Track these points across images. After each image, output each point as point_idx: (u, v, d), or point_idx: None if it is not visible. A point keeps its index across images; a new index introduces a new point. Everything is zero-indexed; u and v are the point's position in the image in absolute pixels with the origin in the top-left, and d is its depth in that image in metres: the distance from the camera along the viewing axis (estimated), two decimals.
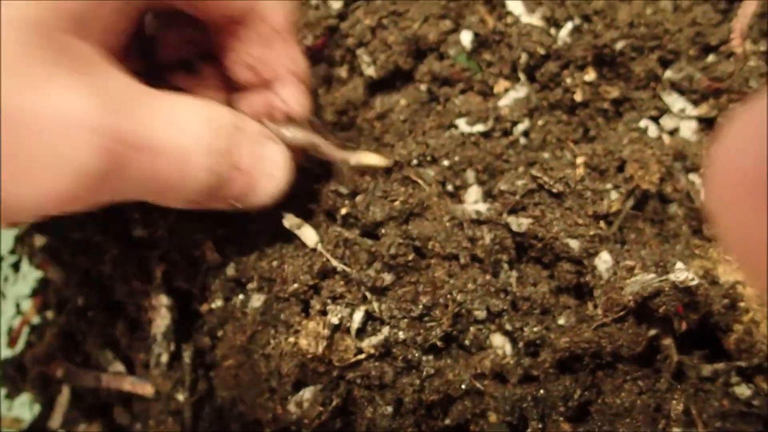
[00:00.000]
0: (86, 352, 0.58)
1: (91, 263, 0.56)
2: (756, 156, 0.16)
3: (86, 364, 0.59)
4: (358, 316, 0.46)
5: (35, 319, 0.67)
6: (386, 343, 0.46)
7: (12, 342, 0.67)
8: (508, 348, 0.49)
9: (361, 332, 0.46)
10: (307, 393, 0.48)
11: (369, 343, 0.46)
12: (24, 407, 0.71)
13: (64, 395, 0.67)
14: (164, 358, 0.55)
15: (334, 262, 0.48)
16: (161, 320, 0.54)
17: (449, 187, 0.55)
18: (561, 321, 0.48)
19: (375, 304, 0.46)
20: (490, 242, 0.50)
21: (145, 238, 0.53)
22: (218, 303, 0.52)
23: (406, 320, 0.46)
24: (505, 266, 0.50)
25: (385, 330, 0.46)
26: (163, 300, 0.53)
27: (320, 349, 0.45)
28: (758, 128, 0.16)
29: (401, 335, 0.45)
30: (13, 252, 0.66)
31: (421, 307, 0.46)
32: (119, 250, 0.53)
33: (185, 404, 0.55)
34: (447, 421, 0.45)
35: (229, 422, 0.55)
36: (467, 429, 0.46)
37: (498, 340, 0.49)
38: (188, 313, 0.54)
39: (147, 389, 0.57)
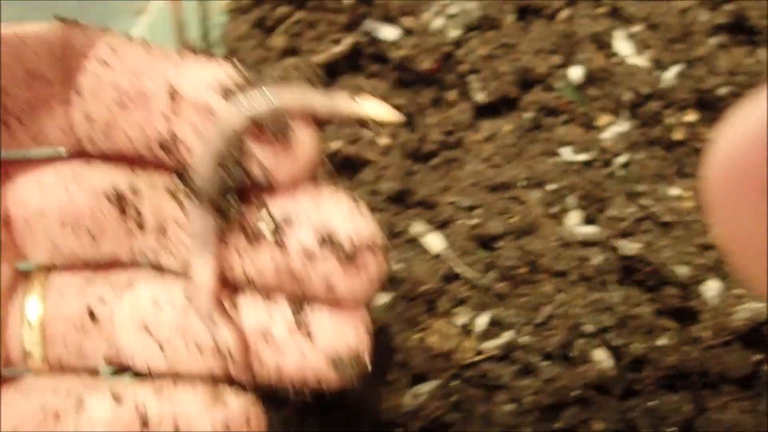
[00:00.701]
0: None
1: None
2: (754, 158, 0.16)
3: None
4: (483, 319, 0.50)
5: None
6: (507, 347, 0.49)
7: None
8: (610, 362, 0.53)
9: (483, 335, 0.50)
10: (425, 387, 0.52)
11: (490, 345, 0.50)
12: None
13: None
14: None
15: (459, 269, 0.52)
16: None
17: (552, 210, 0.59)
18: (661, 341, 0.52)
19: (497, 310, 0.50)
20: (599, 263, 0.54)
21: None
22: None
23: (528, 326, 0.49)
24: (611, 286, 0.54)
25: (507, 334, 0.49)
26: None
27: (446, 347, 0.49)
28: (756, 129, 0.16)
29: (523, 340, 0.49)
30: None
31: (541, 316, 0.50)
32: None
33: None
34: (558, 425, 0.49)
35: (340, 414, 0.58)
36: None
37: (601, 355, 0.53)
38: None
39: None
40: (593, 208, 0.59)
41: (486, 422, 0.49)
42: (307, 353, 0.31)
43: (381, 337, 0.52)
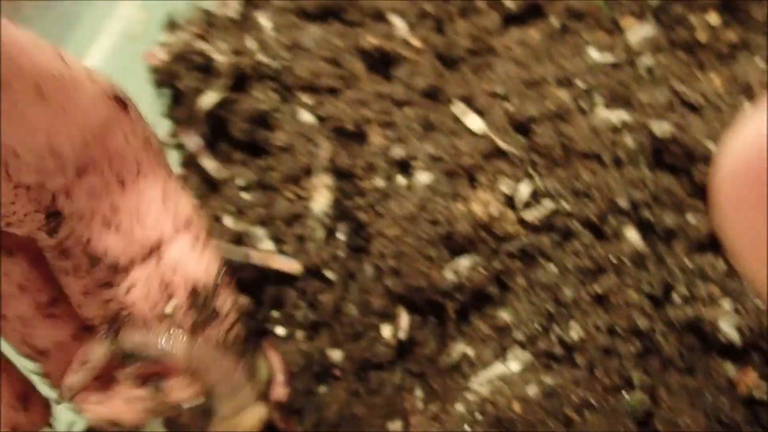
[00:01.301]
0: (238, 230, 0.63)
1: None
2: (760, 164, 0.16)
3: (237, 242, 0.64)
4: (526, 188, 0.51)
5: None
6: (550, 215, 0.51)
7: None
8: (640, 243, 0.55)
9: (525, 204, 0.52)
10: (465, 261, 0.54)
11: (533, 215, 0.52)
12: None
13: None
14: (320, 234, 0.60)
15: (501, 144, 0.53)
16: (321, 198, 0.59)
17: (582, 103, 0.61)
18: (692, 218, 0.54)
19: (540, 181, 0.52)
20: (632, 145, 0.56)
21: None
22: (382, 182, 0.57)
23: (568, 195, 0.51)
24: (644, 167, 0.56)
25: (549, 203, 0.51)
26: (325, 179, 0.59)
27: (492, 215, 0.51)
28: (764, 133, 0.17)
29: (566, 206, 0.51)
30: None
31: (582, 182, 0.52)
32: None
33: (337, 278, 0.60)
34: (596, 289, 0.51)
35: (378, 292, 0.60)
36: (610, 300, 0.51)
37: (632, 234, 0.55)
38: (345, 194, 0.60)
39: (294, 266, 0.62)
40: (621, 100, 0.61)
41: (529, 284, 0.51)
42: None
43: (422, 212, 0.54)
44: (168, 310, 0.37)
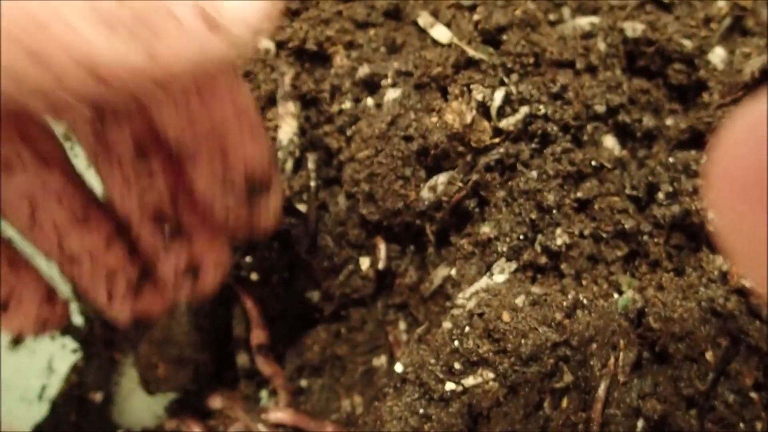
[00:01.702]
0: None
1: None
2: (755, 158, 0.16)
3: None
4: (500, 94, 0.49)
5: None
6: (526, 121, 0.49)
7: None
8: (617, 149, 0.53)
9: (500, 112, 0.50)
10: (441, 177, 0.51)
11: (508, 122, 0.49)
12: None
13: None
14: (289, 165, 0.57)
15: (471, 52, 0.51)
16: (287, 127, 0.56)
17: (551, 14, 0.59)
18: (670, 120, 0.53)
19: (514, 88, 0.50)
20: (605, 49, 0.54)
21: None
22: (348, 104, 0.54)
23: (545, 97, 0.49)
24: (619, 72, 0.54)
25: (525, 109, 0.49)
26: (290, 107, 0.56)
27: (465, 123, 0.48)
28: (757, 130, 0.16)
29: (542, 109, 0.49)
30: None
31: (558, 86, 0.50)
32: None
33: (309, 211, 0.57)
34: (579, 194, 0.49)
35: (353, 223, 0.57)
36: (593, 205, 0.50)
37: (609, 141, 0.53)
38: (311, 122, 0.57)
39: None
40: (590, 6, 0.59)
41: (509, 195, 0.49)
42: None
43: (393, 129, 0.51)
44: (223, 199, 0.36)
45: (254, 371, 0.66)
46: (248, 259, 0.67)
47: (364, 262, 0.60)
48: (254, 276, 0.68)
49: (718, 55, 0.51)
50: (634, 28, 0.54)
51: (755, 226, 0.16)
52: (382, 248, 0.59)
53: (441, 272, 0.55)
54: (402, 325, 0.60)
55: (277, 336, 0.66)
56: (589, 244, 0.48)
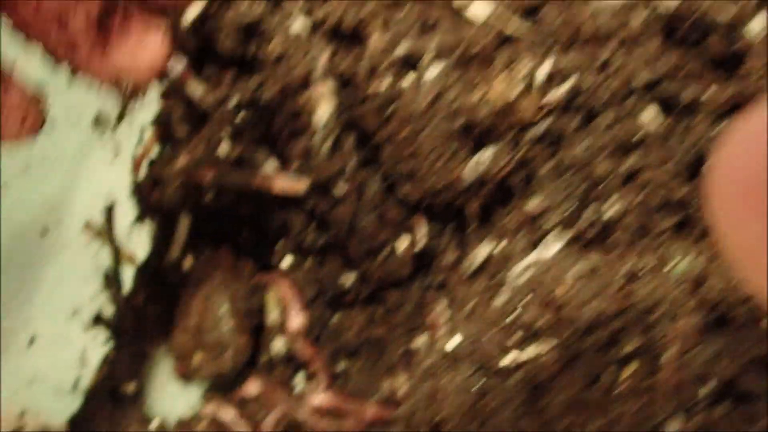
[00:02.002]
0: (237, 157, 0.59)
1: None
2: (757, 165, 0.16)
3: (237, 167, 0.60)
4: (543, 69, 0.49)
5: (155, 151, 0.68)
6: (570, 93, 0.49)
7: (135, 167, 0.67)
8: (660, 120, 0.53)
9: (544, 88, 0.50)
10: (487, 153, 0.51)
11: (552, 96, 0.49)
12: (138, 246, 0.71)
13: (183, 224, 0.69)
14: (326, 147, 0.57)
15: (510, 30, 0.51)
16: (323, 109, 0.56)
17: None
18: (709, 93, 0.53)
19: (555, 63, 0.50)
20: (642, 22, 0.54)
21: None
22: (386, 84, 0.54)
23: (588, 70, 0.49)
24: (657, 44, 0.54)
25: (569, 82, 0.49)
26: (326, 88, 0.55)
27: (510, 98, 0.48)
28: (759, 136, 0.16)
29: (585, 82, 0.49)
30: None
31: (599, 60, 0.50)
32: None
33: (347, 193, 0.57)
34: (626, 166, 0.49)
35: (392, 204, 0.57)
36: (641, 176, 0.50)
37: (652, 113, 0.53)
38: (348, 103, 0.57)
39: (300, 185, 0.59)
40: None
41: (556, 168, 0.49)
42: None
43: (435, 107, 0.51)
44: None
45: (290, 356, 0.66)
46: (281, 243, 0.67)
47: (402, 243, 0.60)
48: (287, 260, 0.67)
49: (757, 24, 0.52)
50: (667, 6, 0.54)
51: (758, 235, 0.16)
52: (421, 228, 0.59)
53: (483, 250, 0.55)
54: (441, 306, 0.60)
55: (312, 320, 0.66)
56: (639, 215, 0.48)
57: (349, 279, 0.65)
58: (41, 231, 0.58)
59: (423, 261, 0.61)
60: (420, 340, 0.61)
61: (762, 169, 0.16)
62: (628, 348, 0.42)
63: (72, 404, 0.66)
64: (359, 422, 0.63)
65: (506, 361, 0.45)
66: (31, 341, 0.61)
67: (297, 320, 0.64)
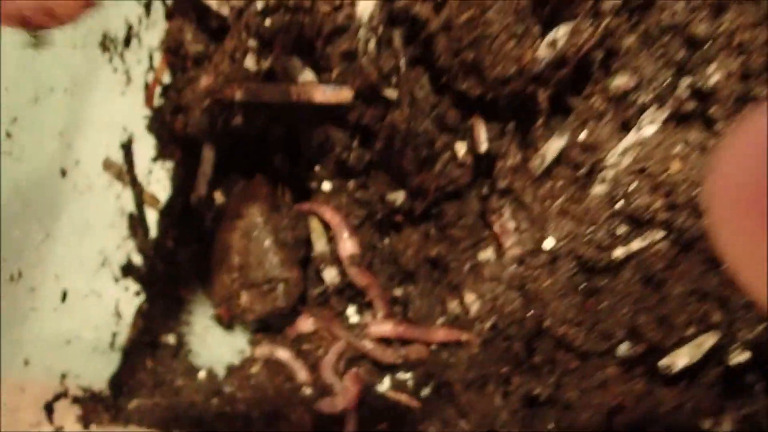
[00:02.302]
0: (268, 69, 0.53)
1: None
2: (756, 174, 0.16)
3: (269, 80, 0.53)
4: None
5: (166, 78, 0.61)
6: None
7: (148, 101, 0.60)
8: None
9: None
10: (562, 29, 0.45)
11: None
12: (159, 185, 0.65)
13: (208, 157, 0.62)
14: (372, 45, 0.50)
15: None
16: (366, 1, 0.49)
17: None
18: None
19: None
20: None
21: None
22: None
23: None
24: None
25: None
26: None
27: None
28: (758, 146, 0.16)
29: None
30: None
31: None
32: None
33: (402, 95, 0.51)
34: (724, 28, 0.44)
35: (447, 104, 0.51)
36: (740, 39, 0.44)
37: None
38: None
39: (344, 94, 0.53)
40: None
41: (644, 37, 0.43)
42: None
43: None
44: None
45: (342, 287, 0.61)
46: (318, 167, 0.61)
47: (461, 148, 0.54)
48: (326, 185, 0.62)
49: None
50: None
51: (759, 242, 0.16)
52: (481, 129, 0.53)
53: (555, 144, 0.50)
54: (508, 213, 0.55)
55: (363, 245, 0.60)
56: (737, 83, 0.43)
57: (399, 197, 0.59)
58: (60, 173, 0.52)
59: (482, 166, 0.56)
60: (486, 253, 0.56)
61: (761, 177, 0.16)
62: None
63: (112, 362, 0.61)
64: (428, 348, 0.58)
65: (615, 255, 0.41)
66: (63, 297, 0.55)
67: (348, 247, 0.58)
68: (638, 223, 0.40)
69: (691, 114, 0.44)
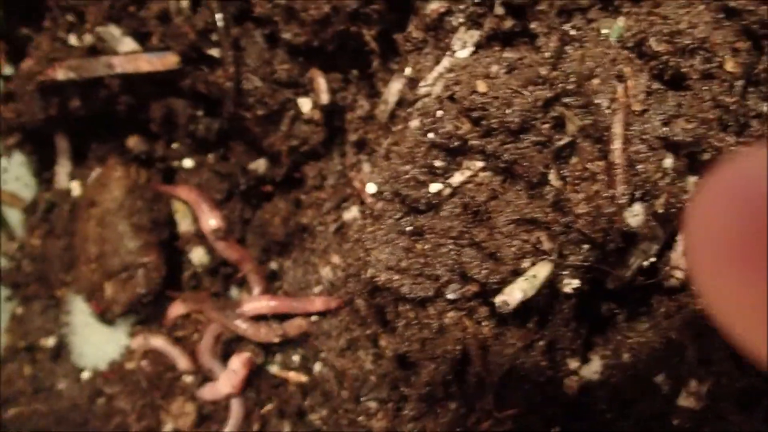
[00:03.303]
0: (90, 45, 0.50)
1: None
2: (735, 224, 0.16)
3: (90, 54, 0.50)
4: None
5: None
6: None
7: None
8: None
9: None
10: None
11: None
12: (19, 183, 0.62)
13: (62, 145, 0.59)
14: (185, 3, 0.47)
15: None
16: None
17: None
18: None
19: None
20: None
21: None
22: None
23: None
24: None
25: None
26: None
27: None
28: (735, 192, 0.16)
29: None
30: None
31: None
32: None
33: (224, 52, 0.48)
34: None
35: (281, 57, 0.48)
36: None
37: None
38: None
39: (170, 59, 0.49)
40: None
41: None
42: None
43: None
44: None
45: (216, 266, 0.58)
46: (175, 145, 0.58)
47: (305, 103, 0.51)
48: (188, 162, 0.58)
49: None
50: None
51: (739, 287, 0.16)
52: (320, 80, 0.50)
53: (395, 85, 0.47)
54: (367, 167, 0.52)
55: (231, 219, 0.57)
56: None
57: (260, 165, 0.56)
58: None
59: (333, 121, 0.53)
60: (351, 212, 0.53)
61: (740, 222, 0.15)
62: (571, 129, 0.34)
63: None
64: (308, 320, 0.55)
65: (433, 189, 0.38)
66: None
67: (211, 221, 0.55)
68: (452, 153, 0.37)
69: (508, 36, 0.41)
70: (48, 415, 0.58)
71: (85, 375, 0.60)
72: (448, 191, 0.38)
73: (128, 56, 0.49)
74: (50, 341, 0.61)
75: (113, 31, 0.49)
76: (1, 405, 0.57)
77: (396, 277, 0.38)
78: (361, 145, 0.52)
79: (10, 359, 0.59)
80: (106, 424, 0.56)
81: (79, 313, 0.61)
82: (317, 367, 0.56)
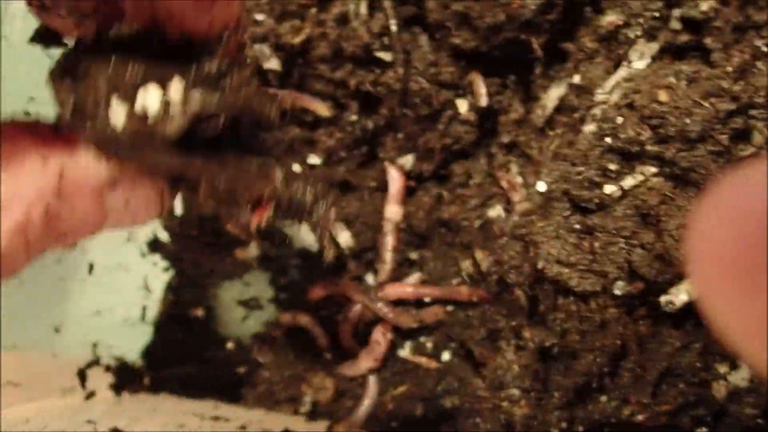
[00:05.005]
0: None
1: None
2: (737, 235, 0.15)
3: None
4: None
5: None
6: None
7: None
8: None
9: None
10: None
11: None
12: None
13: None
14: (363, 8, 0.51)
15: None
16: None
17: None
18: None
19: None
20: None
21: None
22: None
23: None
24: None
25: None
26: None
27: None
28: (739, 208, 0.15)
29: None
30: None
31: None
32: None
33: (396, 55, 0.51)
34: None
35: (445, 60, 0.51)
36: None
37: None
38: None
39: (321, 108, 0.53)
40: None
41: None
42: None
43: None
44: None
45: (359, 251, 0.62)
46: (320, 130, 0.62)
47: (463, 105, 0.54)
48: (314, 159, 0.62)
49: None
50: None
51: (744, 304, 0.16)
52: (480, 83, 0.53)
53: (554, 93, 0.49)
54: (515, 168, 0.54)
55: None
56: (733, 10, 0.41)
57: (408, 161, 0.60)
58: None
59: (486, 124, 0.56)
60: (495, 210, 0.56)
61: (744, 237, 0.15)
62: (758, 140, 0.36)
63: (143, 334, 0.63)
64: (444, 309, 0.58)
65: (607, 191, 0.40)
66: (90, 269, 0.58)
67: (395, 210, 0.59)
68: (628, 158, 0.39)
69: (685, 46, 0.42)
70: (197, 377, 0.63)
71: (230, 345, 0.65)
72: (619, 193, 0.40)
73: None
74: (200, 312, 0.66)
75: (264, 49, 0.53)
76: (156, 364, 0.63)
77: (566, 270, 0.41)
78: (512, 147, 0.55)
79: (165, 325, 0.65)
80: (252, 390, 0.61)
81: (227, 288, 0.66)
82: (446, 355, 0.59)
